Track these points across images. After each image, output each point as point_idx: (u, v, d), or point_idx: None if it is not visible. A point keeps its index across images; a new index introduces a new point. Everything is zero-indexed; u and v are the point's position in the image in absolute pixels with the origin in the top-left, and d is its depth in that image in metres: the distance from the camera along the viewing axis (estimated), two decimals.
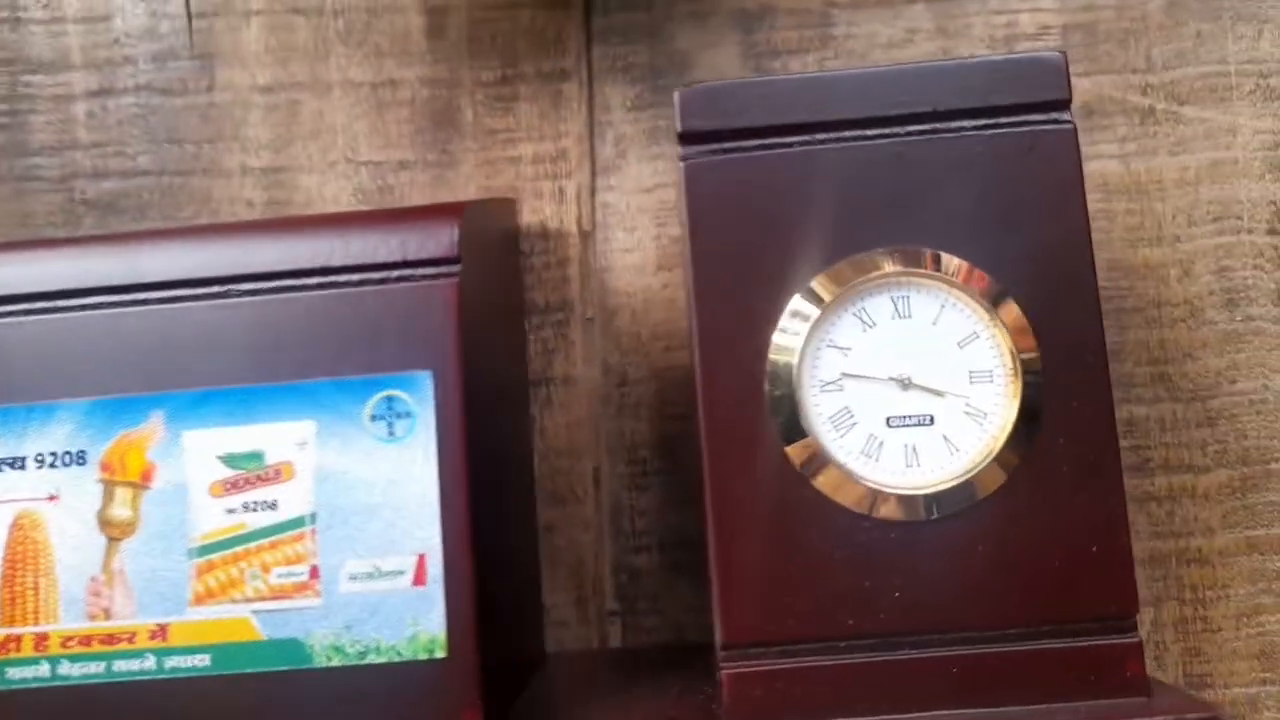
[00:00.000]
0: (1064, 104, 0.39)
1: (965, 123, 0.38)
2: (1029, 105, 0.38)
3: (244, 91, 0.55)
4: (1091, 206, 0.52)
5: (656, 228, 0.55)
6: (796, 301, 0.38)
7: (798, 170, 0.38)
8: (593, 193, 0.55)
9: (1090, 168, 0.53)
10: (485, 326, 0.44)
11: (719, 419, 0.37)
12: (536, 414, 0.54)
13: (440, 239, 0.39)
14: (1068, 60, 0.39)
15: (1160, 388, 0.52)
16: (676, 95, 0.40)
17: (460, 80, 0.55)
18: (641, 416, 0.54)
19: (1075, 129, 0.39)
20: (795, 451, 0.37)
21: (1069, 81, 0.39)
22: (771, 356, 0.37)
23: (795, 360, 0.37)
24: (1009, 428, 0.36)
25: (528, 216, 0.55)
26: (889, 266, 0.37)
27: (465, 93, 0.55)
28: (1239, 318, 0.52)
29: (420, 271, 0.39)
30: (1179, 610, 0.51)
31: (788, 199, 0.38)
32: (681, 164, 0.39)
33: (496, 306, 0.49)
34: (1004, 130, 0.38)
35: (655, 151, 0.55)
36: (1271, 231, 0.52)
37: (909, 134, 0.38)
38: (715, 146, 0.39)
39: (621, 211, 0.55)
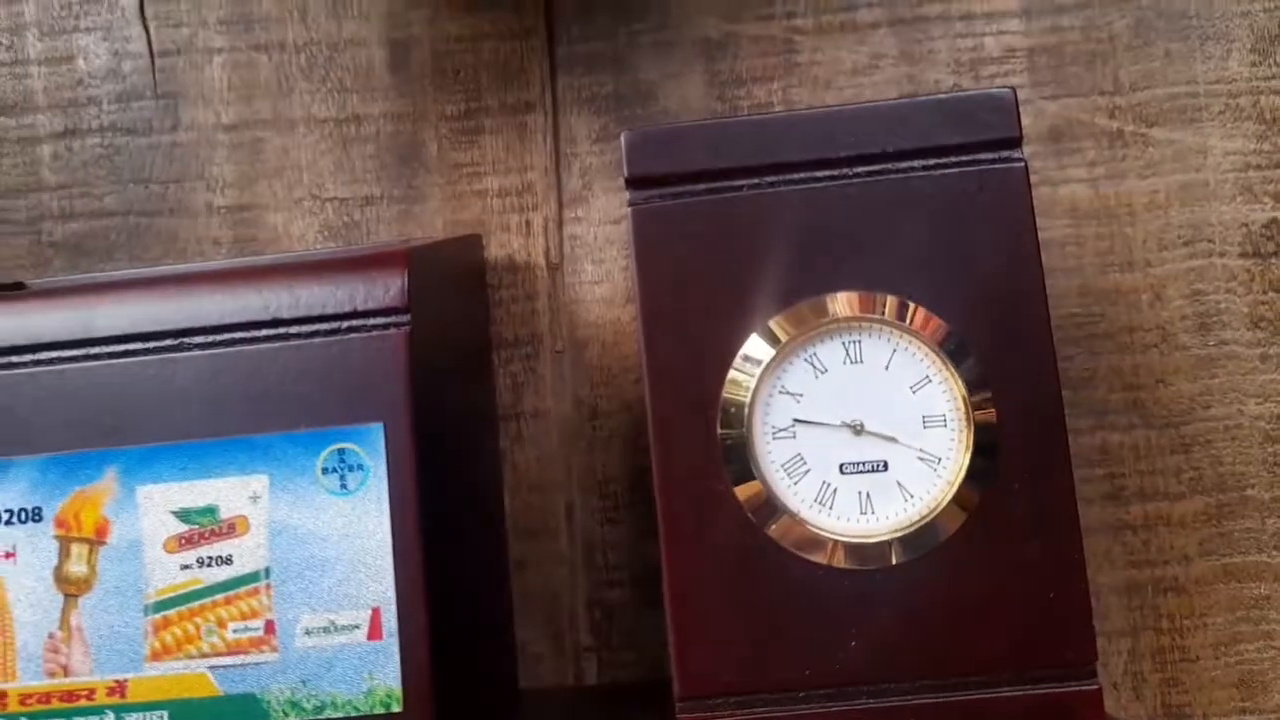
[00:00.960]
0: (1014, 142, 0.38)
1: (915, 163, 0.38)
2: (979, 144, 0.38)
3: (208, 130, 0.55)
4: (1061, 231, 0.52)
5: (625, 259, 0.54)
6: (747, 347, 0.37)
7: (746, 214, 0.38)
8: (560, 225, 0.55)
9: (1059, 192, 0.52)
10: (444, 369, 0.44)
11: (672, 468, 0.37)
12: (507, 448, 0.54)
13: (389, 288, 0.38)
14: (1017, 97, 0.39)
15: (1134, 414, 0.52)
16: (623, 139, 0.39)
17: (424, 114, 0.55)
18: (613, 449, 0.54)
19: (1025, 167, 0.38)
20: (748, 499, 0.37)
21: (1019, 119, 0.39)
22: (724, 401, 0.37)
23: (747, 407, 0.37)
24: (963, 473, 0.36)
25: (495, 250, 0.54)
26: (840, 311, 0.37)
27: (429, 126, 0.55)
28: (1212, 342, 0.51)
29: (370, 322, 0.39)
30: (1156, 640, 0.51)
31: (737, 243, 0.38)
32: (629, 209, 0.39)
33: (458, 345, 0.48)
34: (954, 170, 0.38)
35: (621, 183, 0.54)
36: (1244, 254, 0.51)
37: (859, 175, 0.38)
38: (664, 191, 0.39)
39: (589, 243, 0.54)
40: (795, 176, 0.38)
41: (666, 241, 0.38)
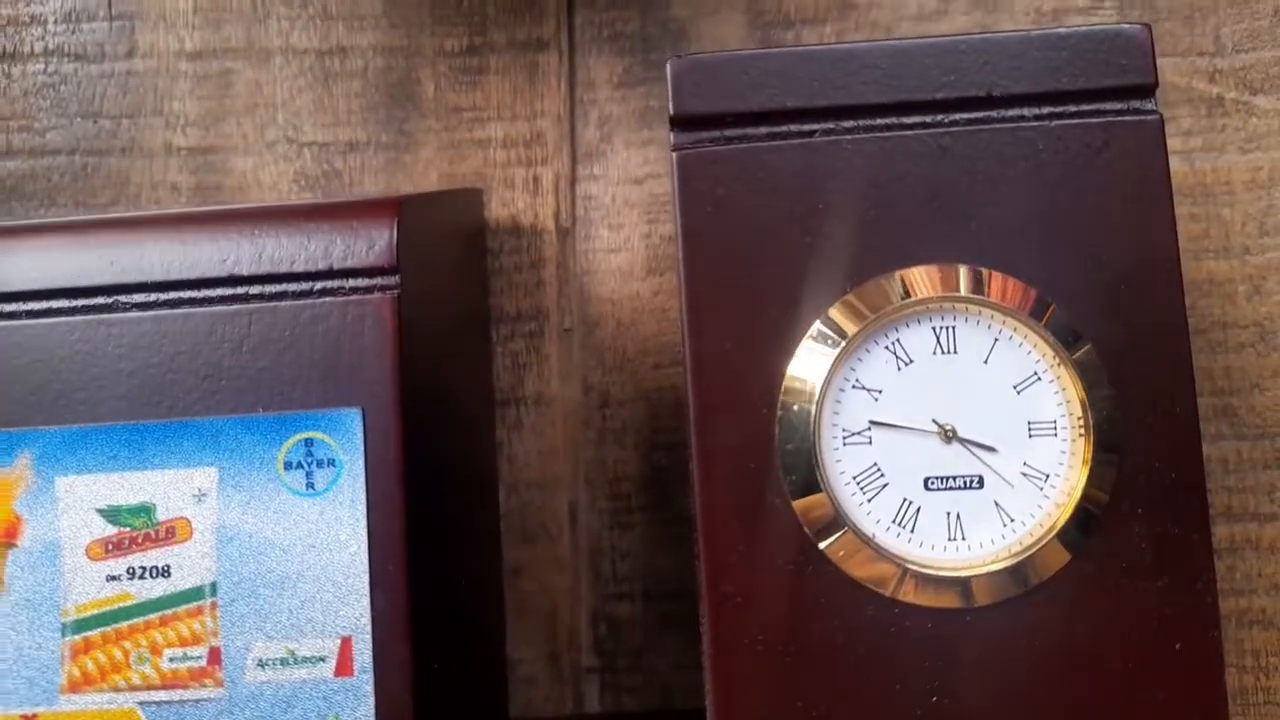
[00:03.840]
0: (1148, 90, 0.31)
1: (1025, 110, 0.31)
2: (1104, 91, 0.31)
3: (169, 58, 0.47)
4: None
5: (647, 225, 0.47)
6: (815, 330, 0.30)
7: (818, 165, 0.31)
8: (573, 183, 0.47)
9: None
10: (436, 344, 0.37)
11: (717, 475, 0.30)
12: (504, 439, 0.47)
13: (374, 243, 0.31)
14: (1153, 36, 0.32)
15: (1224, 423, 0.45)
16: (669, 67, 0.32)
17: (421, 49, 0.47)
18: (626, 444, 0.47)
19: (1162, 121, 0.32)
20: (812, 519, 0.30)
21: (1154, 62, 0.32)
22: (783, 399, 0.30)
23: (813, 404, 0.30)
24: (1076, 495, 0.29)
25: (497, 209, 0.47)
26: (929, 289, 0.30)
27: (426, 63, 0.47)
28: None
29: (349, 284, 0.31)
30: (1239, 679, 0.45)
31: (805, 201, 0.31)
32: (674, 154, 0.32)
33: (453, 317, 0.41)
34: (1074, 121, 0.31)
35: (647, 136, 0.47)
36: None
37: (955, 123, 0.31)
38: (716, 134, 0.32)
39: (606, 205, 0.47)
40: (877, 122, 0.31)
41: (718, 195, 0.31)
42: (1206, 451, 0.45)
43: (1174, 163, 0.45)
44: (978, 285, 0.30)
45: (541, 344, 0.47)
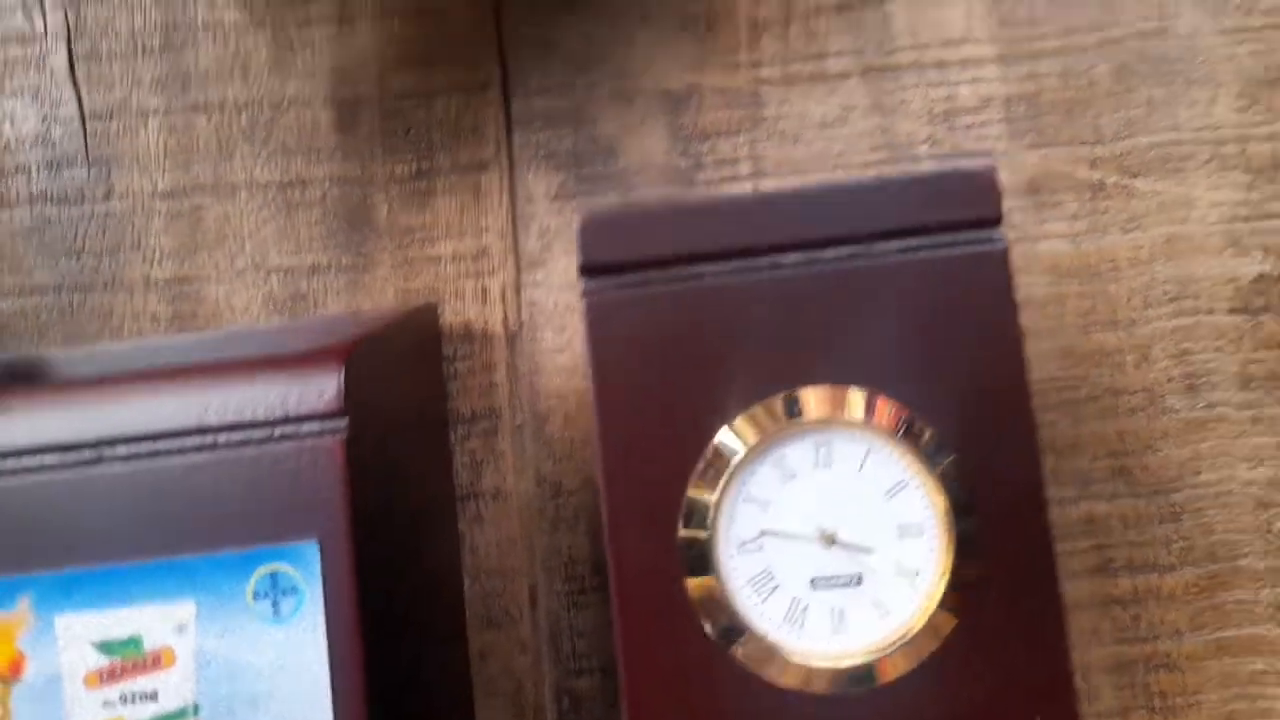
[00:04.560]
0: (994, 222, 0.36)
1: (889, 244, 0.35)
2: (957, 224, 0.36)
3: (144, 198, 0.52)
4: (1042, 290, 0.49)
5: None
6: (711, 450, 0.35)
7: (710, 303, 0.35)
8: (518, 290, 0.52)
9: (1039, 248, 0.50)
10: (390, 469, 0.41)
11: (630, 586, 0.34)
12: (466, 531, 0.51)
13: (323, 391, 0.35)
14: (997, 173, 0.36)
15: (1120, 482, 0.49)
16: (576, 223, 0.37)
17: (373, 176, 0.52)
18: (579, 530, 0.51)
19: (1006, 250, 0.36)
20: (712, 619, 0.34)
21: (999, 195, 0.36)
22: (686, 513, 0.34)
23: (710, 516, 0.34)
24: (943, 586, 0.34)
25: (449, 318, 0.52)
26: (810, 409, 0.34)
27: (379, 189, 0.52)
28: (1201, 405, 0.49)
29: (304, 428, 0.36)
30: (1149, 718, 0.49)
31: (700, 334, 0.36)
32: (584, 300, 0.36)
33: (411, 429, 0.46)
34: (931, 253, 0.35)
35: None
36: (1233, 310, 0.49)
37: (827, 260, 0.35)
38: (620, 279, 0.36)
39: (549, 309, 0.52)
40: (760, 261, 0.35)
41: (624, 333, 0.36)
42: (1105, 510, 0.49)
43: (1062, 245, 0.50)
44: (849, 404, 0.34)
45: (496, 441, 0.51)
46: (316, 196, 0.52)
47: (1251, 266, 0.49)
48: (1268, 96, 0.49)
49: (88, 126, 0.52)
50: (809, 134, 0.51)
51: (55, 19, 0.52)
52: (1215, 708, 0.48)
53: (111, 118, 0.52)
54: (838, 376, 0.35)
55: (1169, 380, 0.49)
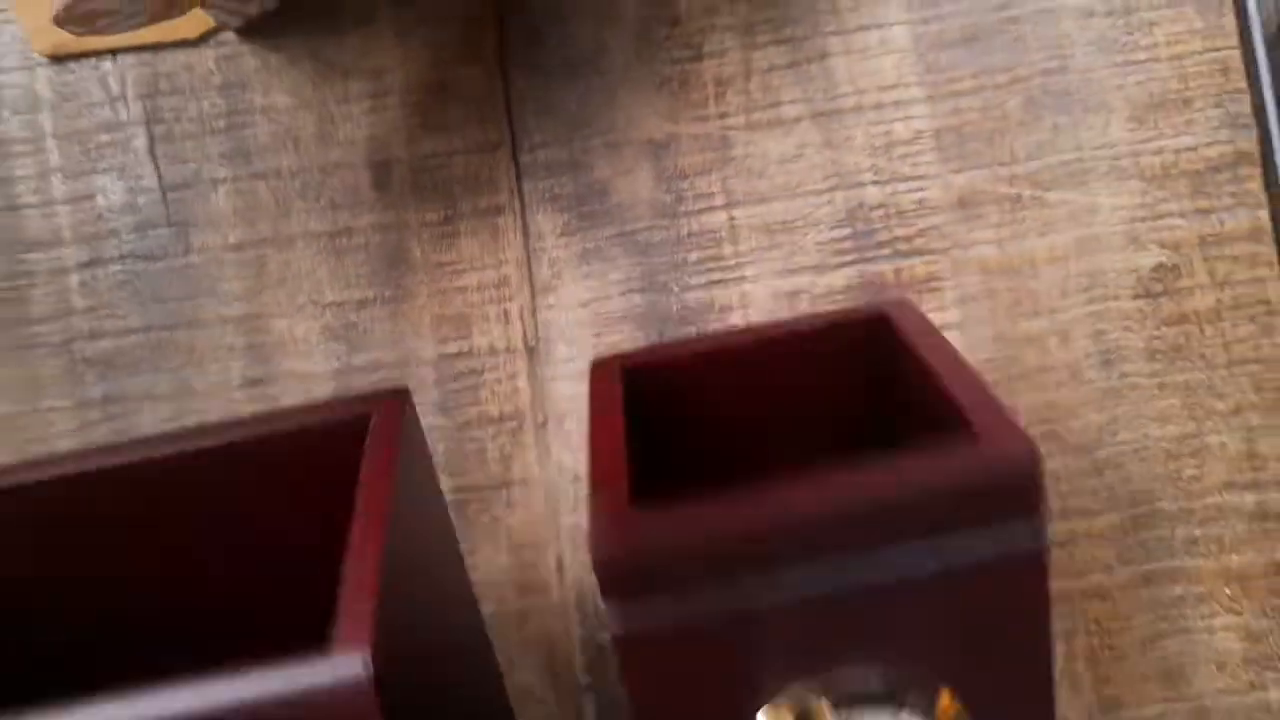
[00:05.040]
0: (1031, 514, 0.33)
1: (921, 551, 0.34)
2: (991, 519, 0.34)
3: (217, 251, 0.62)
4: (974, 287, 0.59)
5: (594, 337, 0.61)
6: None
7: (743, 622, 0.35)
8: (534, 312, 0.61)
9: (970, 254, 0.59)
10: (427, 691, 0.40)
11: None
12: (501, 514, 0.60)
13: (355, 689, 0.32)
14: (1040, 461, 0.34)
15: (1052, 444, 0.58)
16: (594, 561, 0.34)
17: (407, 223, 0.62)
18: None
19: (1043, 551, 0.34)
20: None
21: (1039, 487, 0.34)
22: None
23: None
24: None
25: (478, 338, 0.61)
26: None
27: (413, 234, 0.62)
28: (1115, 375, 0.58)
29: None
30: (1088, 642, 0.57)
31: (736, 655, 0.35)
32: (616, 638, 0.35)
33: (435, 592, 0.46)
34: (963, 556, 0.34)
35: (586, 270, 0.61)
36: (1137, 296, 0.58)
37: (855, 562, 0.34)
38: (650, 611, 0.35)
39: (561, 326, 0.61)
40: (791, 584, 0.34)
41: (661, 670, 0.35)
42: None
43: (989, 249, 0.59)
44: (889, 693, 0.34)
45: (521, 437, 0.61)
46: (361, 243, 0.62)
47: (1149, 259, 0.59)
48: (1153, 117, 0.59)
49: (167, 196, 0.62)
50: (771, 169, 0.61)
51: (136, 109, 0.62)
52: (1142, 629, 0.57)
53: (186, 187, 0.62)
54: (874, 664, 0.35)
55: (1087, 356, 0.58)
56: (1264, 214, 0.58)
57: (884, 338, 0.46)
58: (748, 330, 0.49)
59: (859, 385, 0.48)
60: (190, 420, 0.61)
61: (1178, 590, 0.57)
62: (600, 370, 0.47)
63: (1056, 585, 0.57)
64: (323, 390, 0.61)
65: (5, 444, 0.61)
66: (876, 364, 0.48)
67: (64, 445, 0.61)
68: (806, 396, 0.50)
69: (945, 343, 0.42)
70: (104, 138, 0.62)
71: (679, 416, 0.49)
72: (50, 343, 0.62)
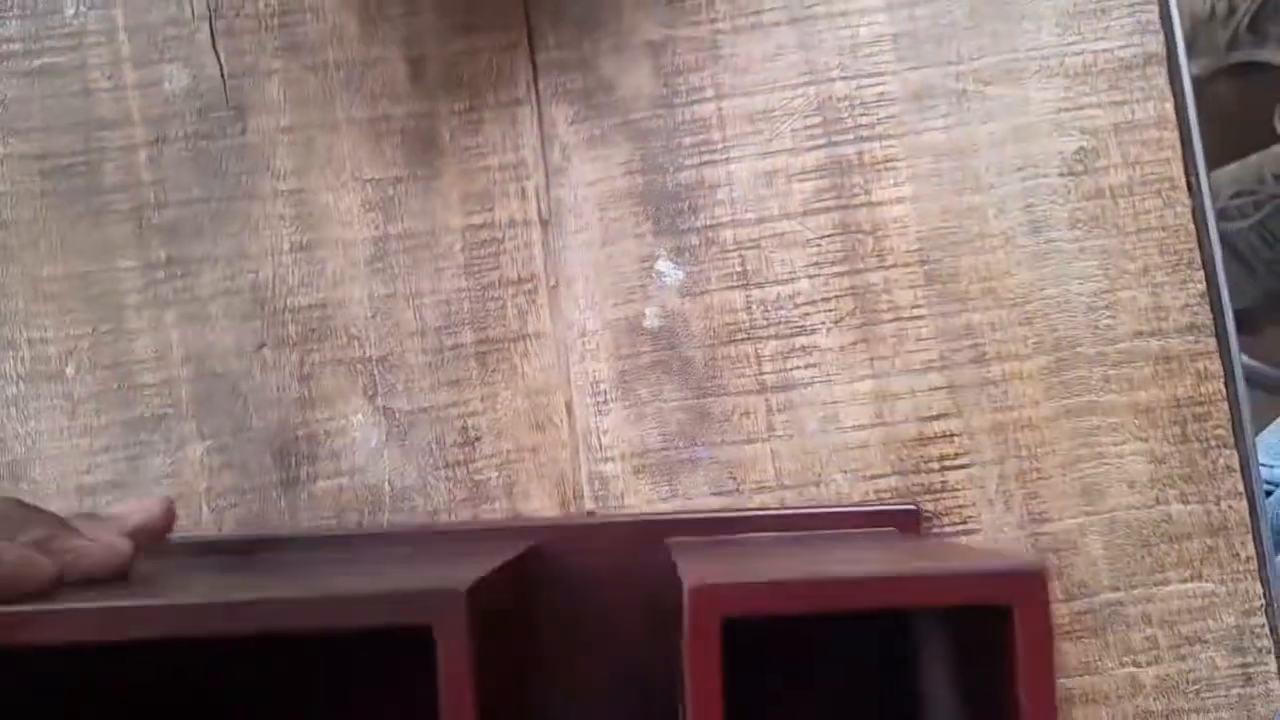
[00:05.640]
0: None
1: None
2: None
3: (271, 133, 0.71)
4: (925, 168, 0.69)
5: (599, 212, 0.70)
6: None
7: None
8: (548, 190, 0.71)
9: (922, 139, 0.69)
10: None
11: None
12: (518, 364, 0.69)
13: None
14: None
15: (989, 299, 0.68)
16: None
17: (438, 112, 0.71)
18: (600, 359, 0.70)
19: None
20: None
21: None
22: None
23: None
24: None
25: (498, 212, 0.70)
26: None
27: (443, 121, 0.71)
28: (1043, 241, 0.68)
29: None
30: (1019, 465, 0.67)
31: None
32: None
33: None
34: None
35: (593, 154, 0.71)
36: (1062, 174, 0.69)
37: None
38: None
39: (570, 203, 0.71)
40: None
41: None
42: (980, 319, 0.68)
43: (938, 134, 0.69)
44: None
45: (536, 298, 0.70)
46: (397, 128, 0.71)
47: (1072, 143, 0.69)
48: (1076, 24, 0.69)
49: (226, 83, 0.71)
50: (754, 66, 0.70)
51: (199, 5, 0.71)
52: (1065, 454, 0.67)
53: (244, 76, 0.71)
54: None
55: (1019, 225, 0.69)
56: (1169, 105, 0.69)
57: (999, 631, 0.44)
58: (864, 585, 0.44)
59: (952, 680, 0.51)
60: (244, 279, 0.70)
61: (1095, 421, 0.67)
62: (701, 611, 0.43)
63: (992, 416, 0.68)
64: (362, 254, 0.70)
65: (80, 297, 0.69)
66: (981, 663, 0.47)
67: (132, 301, 0.69)
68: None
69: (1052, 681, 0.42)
70: (170, 31, 0.71)
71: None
72: (121, 210, 0.70)
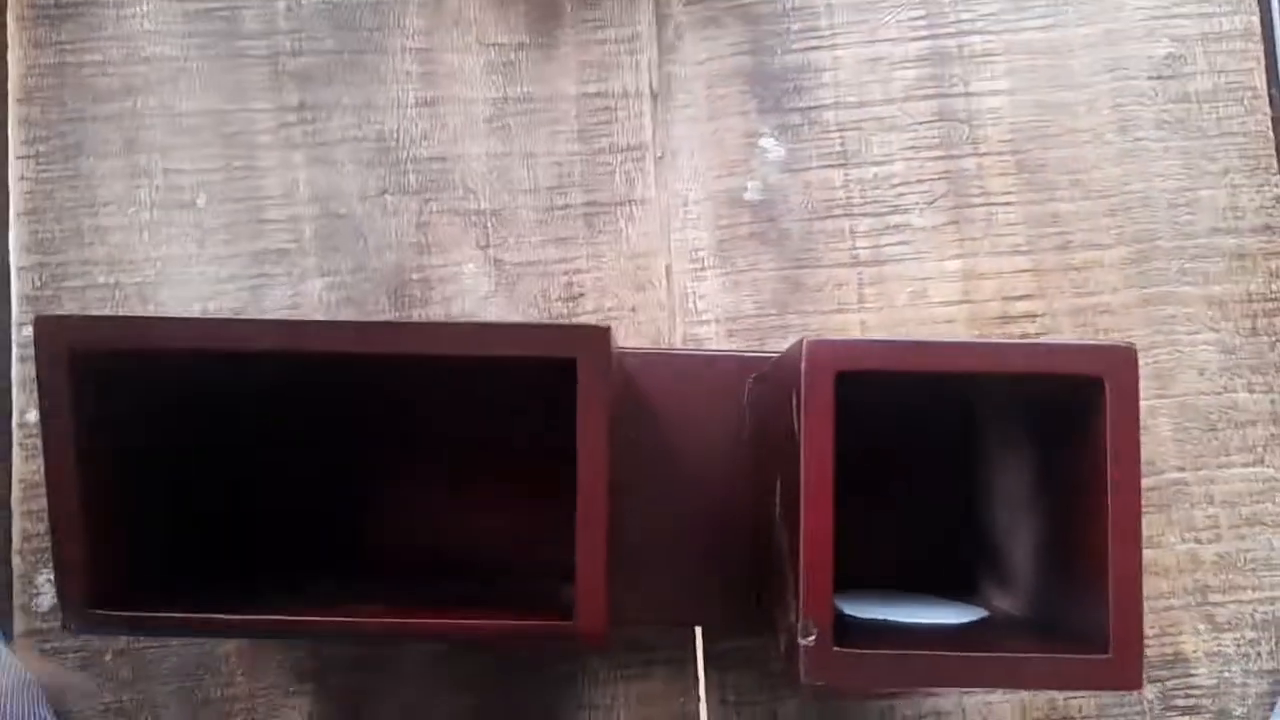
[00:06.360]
0: None
1: None
2: None
3: None
4: (1021, 64, 0.73)
5: (707, 89, 0.74)
6: None
7: None
8: (659, 65, 0.74)
9: (1020, 38, 0.73)
10: None
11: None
12: (623, 228, 0.73)
13: None
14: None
15: (1076, 191, 0.72)
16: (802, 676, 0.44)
17: None
18: (700, 227, 0.73)
19: None
20: None
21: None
22: None
23: None
24: None
25: (612, 83, 0.74)
26: None
27: None
28: (1129, 139, 0.72)
29: None
30: None
31: None
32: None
33: None
34: None
35: (704, 34, 0.74)
36: (1150, 78, 0.73)
37: None
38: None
39: (681, 79, 0.74)
40: None
41: None
42: (1068, 209, 0.72)
43: (1036, 34, 0.73)
44: None
45: (644, 165, 0.74)
46: None
47: (1162, 49, 0.73)
48: None
49: None
50: None
51: None
52: (1140, 339, 0.70)
53: None
54: None
55: (1107, 123, 0.72)
56: (1255, 18, 0.72)
57: (1089, 400, 0.47)
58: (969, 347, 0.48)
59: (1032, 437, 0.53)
60: (371, 128, 0.73)
61: (1170, 310, 0.71)
62: (817, 366, 0.46)
63: (1073, 302, 0.71)
64: (482, 113, 0.74)
65: (214, 133, 0.73)
66: (1066, 429, 0.49)
67: (263, 140, 0.73)
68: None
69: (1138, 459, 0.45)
70: None
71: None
72: (258, 55, 0.74)
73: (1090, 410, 0.46)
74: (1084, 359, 0.45)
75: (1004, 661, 0.44)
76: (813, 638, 0.43)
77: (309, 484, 0.65)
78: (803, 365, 0.44)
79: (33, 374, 0.71)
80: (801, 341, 0.45)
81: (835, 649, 0.44)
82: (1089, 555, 0.45)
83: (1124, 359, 0.45)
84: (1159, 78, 0.73)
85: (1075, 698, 0.69)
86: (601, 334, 0.46)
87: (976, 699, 0.69)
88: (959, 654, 0.45)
